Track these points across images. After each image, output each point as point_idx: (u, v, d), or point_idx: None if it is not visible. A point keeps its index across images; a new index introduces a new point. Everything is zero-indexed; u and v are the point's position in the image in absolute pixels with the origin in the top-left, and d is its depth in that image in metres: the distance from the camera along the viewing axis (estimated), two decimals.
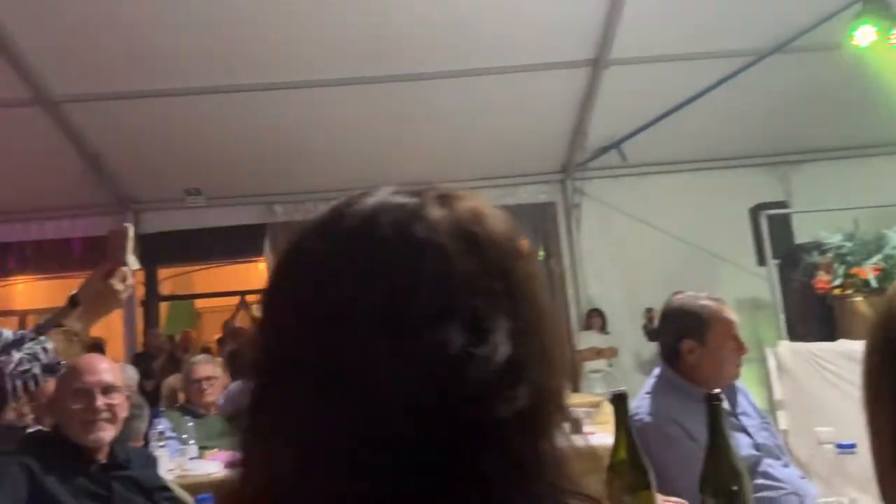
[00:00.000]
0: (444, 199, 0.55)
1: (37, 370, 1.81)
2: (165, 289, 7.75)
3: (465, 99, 5.84)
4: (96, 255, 6.34)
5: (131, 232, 2.00)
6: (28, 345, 1.86)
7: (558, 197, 7.14)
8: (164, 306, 7.70)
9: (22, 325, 7.42)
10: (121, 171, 6.30)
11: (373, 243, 0.52)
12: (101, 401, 2.08)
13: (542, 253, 7.07)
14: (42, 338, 1.88)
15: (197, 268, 8.26)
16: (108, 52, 5.00)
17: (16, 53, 4.91)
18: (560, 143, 6.69)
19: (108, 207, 6.57)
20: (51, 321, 1.96)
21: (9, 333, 2.01)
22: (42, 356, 1.84)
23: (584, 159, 6.76)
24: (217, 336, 8.50)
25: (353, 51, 5.25)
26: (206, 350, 7.02)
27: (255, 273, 7.94)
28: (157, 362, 6.54)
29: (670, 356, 2.05)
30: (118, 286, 1.93)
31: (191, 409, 3.86)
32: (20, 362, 1.81)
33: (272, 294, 0.57)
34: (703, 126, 6.27)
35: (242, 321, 8.07)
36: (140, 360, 6.36)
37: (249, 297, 8.23)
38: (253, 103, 5.61)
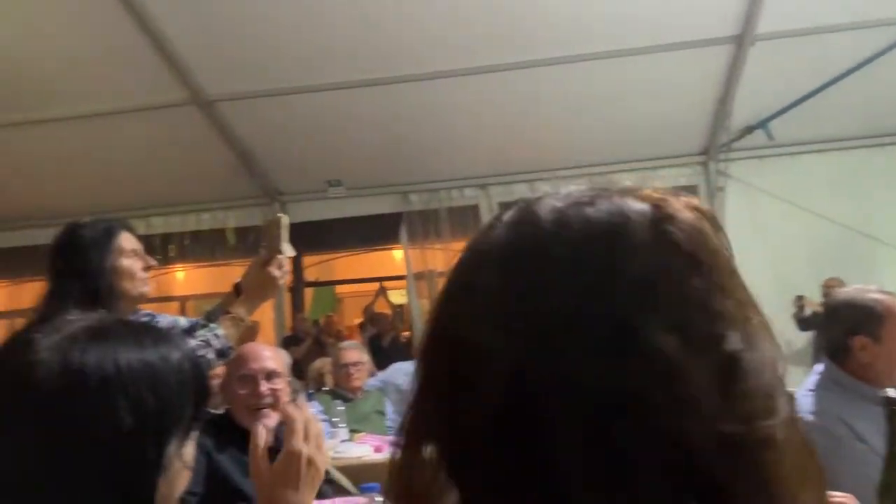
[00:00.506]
0: (627, 192, 0.52)
1: (210, 355, 1.93)
2: (310, 275, 8.08)
3: (597, 82, 5.67)
4: (248, 244, 6.74)
5: (286, 221, 2.09)
6: (200, 332, 1.98)
7: (700, 180, 6.79)
8: (308, 292, 8.04)
9: (182, 309, 7.97)
10: (269, 164, 6.61)
11: (561, 241, 0.49)
12: (264, 387, 2.20)
13: None
14: (213, 325, 2.00)
15: (338, 255, 8.56)
16: (256, 52, 5.25)
17: (174, 56, 5.21)
18: (702, 124, 6.39)
19: (258, 199, 6.94)
20: (218, 308, 2.09)
21: (183, 322, 2.16)
22: (214, 342, 1.95)
23: (727, 140, 6.46)
24: (357, 321, 8.82)
25: (480, 40, 5.23)
26: (340, 334, 7.30)
27: (392, 260, 8.15)
28: (303, 346, 6.86)
29: (837, 353, 1.93)
30: (276, 273, 2.04)
31: (340, 392, 4.02)
32: (195, 349, 1.94)
33: (448, 301, 0.52)
34: (861, 101, 5.81)
35: (381, 306, 8.33)
36: (289, 342, 6.70)
37: (387, 283, 8.48)
38: (389, 96, 5.71)
